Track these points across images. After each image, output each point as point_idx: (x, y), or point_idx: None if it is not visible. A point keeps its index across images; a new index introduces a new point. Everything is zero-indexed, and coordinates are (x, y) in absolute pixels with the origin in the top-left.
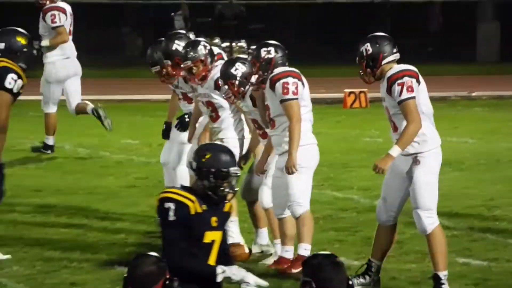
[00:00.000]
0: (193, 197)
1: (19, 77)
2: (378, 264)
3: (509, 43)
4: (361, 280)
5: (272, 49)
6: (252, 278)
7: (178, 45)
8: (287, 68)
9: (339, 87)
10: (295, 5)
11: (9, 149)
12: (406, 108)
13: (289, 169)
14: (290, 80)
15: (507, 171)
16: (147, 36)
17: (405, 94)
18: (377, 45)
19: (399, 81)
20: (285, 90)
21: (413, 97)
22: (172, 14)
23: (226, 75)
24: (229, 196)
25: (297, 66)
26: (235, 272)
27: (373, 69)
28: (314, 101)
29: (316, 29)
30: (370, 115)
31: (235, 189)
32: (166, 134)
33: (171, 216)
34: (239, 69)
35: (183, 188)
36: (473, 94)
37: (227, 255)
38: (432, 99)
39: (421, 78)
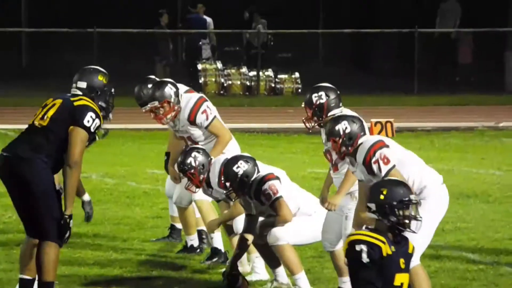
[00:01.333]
0: (383, 239)
1: (97, 116)
2: None
3: None
4: None
5: (322, 93)
6: None
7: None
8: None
9: (365, 117)
10: (322, 34)
11: None
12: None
13: (331, 205)
14: None
15: None
16: (175, 65)
17: (385, 168)
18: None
19: (373, 160)
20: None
21: (393, 166)
22: (200, 43)
23: (228, 174)
24: (414, 225)
25: None
26: None
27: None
28: None
29: (344, 58)
30: None
31: (419, 218)
32: (167, 166)
33: (365, 258)
34: (241, 168)
35: (370, 229)
36: (501, 124)
37: None
38: (459, 129)
39: (386, 139)
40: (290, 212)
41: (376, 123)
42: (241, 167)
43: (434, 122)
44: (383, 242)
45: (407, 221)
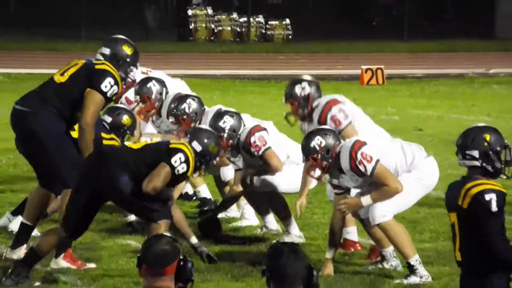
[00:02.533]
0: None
1: (116, 83)
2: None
3: None
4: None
5: (305, 84)
6: None
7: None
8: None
9: (355, 63)
10: None
11: None
12: (378, 177)
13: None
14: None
15: None
16: (165, 11)
17: (370, 166)
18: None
19: (357, 162)
20: (337, 122)
21: (377, 161)
22: None
23: (215, 129)
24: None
25: (314, 43)
26: None
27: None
28: (331, 77)
29: (333, 5)
30: (386, 91)
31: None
32: None
33: (494, 207)
34: (227, 122)
35: (473, 178)
36: (491, 71)
37: None
38: (449, 76)
39: (361, 137)
40: (280, 161)
41: (366, 69)
42: (227, 122)
43: (424, 69)
44: (504, 189)
45: (506, 166)
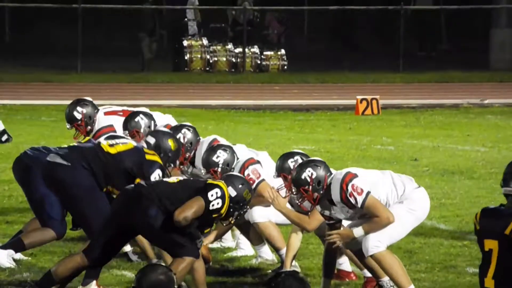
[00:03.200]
0: None
1: (163, 172)
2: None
3: None
4: None
5: (298, 158)
6: None
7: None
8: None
9: (350, 94)
10: (308, 11)
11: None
12: (369, 208)
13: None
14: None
15: None
16: (161, 41)
17: (360, 198)
18: (320, 168)
19: (348, 194)
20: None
21: (368, 193)
22: (186, 19)
23: (208, 164)
24: None
25: (310, 73)
26: None
27: (321, 191)
28: (326, 108)
29: (329, 35)
30: (382, 122)
31: None
32: None
33: None
34: (221, 156)
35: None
36: (486, 101)
37: None
38: (444, 106)
39: (352, 168)
40: (272, 194)
41: (361, 100)
42: (220, 156)
43: (420, 99)
44: None
45: None
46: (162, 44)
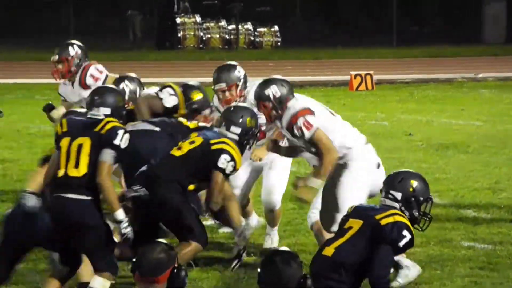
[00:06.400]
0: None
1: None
2: None
3: None
4: None
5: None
6: None
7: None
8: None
9: (345, 70)
10: None
11: (15, 132)
12: (316, 141)
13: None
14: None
15: None
16: (151, 18)
17: (308, 133)
18: (283, 87)
19: (296, 127)
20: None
21: (317, 128)
22: None
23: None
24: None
25: (304, 49)
26: None
27: (279, 111)
28: (320, 84)
29: (322, 11)
30: (375, 97)
31: (429, 216)
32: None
33: (401, 244)
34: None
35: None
36: (479, 75)
37: None
38: (438, 81)
39: (313, 106)
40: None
41: (355, 75)
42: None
43: (413, 74)
44: None
45: (423, 217)
46: (154, 22)
